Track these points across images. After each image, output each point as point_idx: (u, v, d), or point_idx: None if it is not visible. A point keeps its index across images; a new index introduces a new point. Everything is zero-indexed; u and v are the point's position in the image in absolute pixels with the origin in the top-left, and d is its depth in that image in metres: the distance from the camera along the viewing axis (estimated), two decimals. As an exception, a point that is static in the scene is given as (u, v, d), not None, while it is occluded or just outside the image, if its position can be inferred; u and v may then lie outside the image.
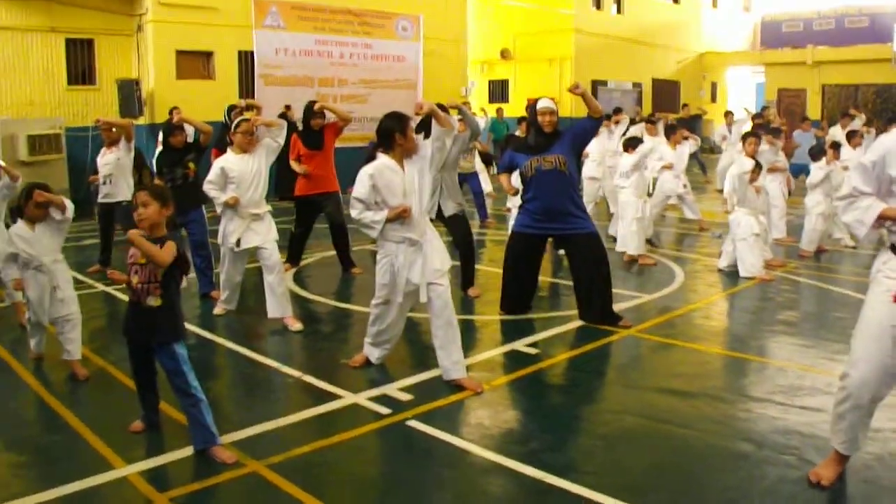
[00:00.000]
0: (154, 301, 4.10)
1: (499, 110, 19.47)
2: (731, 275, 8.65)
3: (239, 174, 6.50)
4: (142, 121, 14.31)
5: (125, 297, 7.67)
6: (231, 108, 9.43)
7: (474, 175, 12.97)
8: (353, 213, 5.24)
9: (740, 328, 6.89)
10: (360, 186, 5.17)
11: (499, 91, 23.70)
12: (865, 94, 24.21)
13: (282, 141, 6.81)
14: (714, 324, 7.05)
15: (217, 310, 7.04)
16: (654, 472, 4.00)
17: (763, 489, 3.77)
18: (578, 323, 6.67)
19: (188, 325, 6.60)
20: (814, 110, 23.92)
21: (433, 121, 5.11)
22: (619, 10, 24.47)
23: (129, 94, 14.14)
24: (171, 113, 12.40)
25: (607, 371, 5.69)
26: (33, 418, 4.91)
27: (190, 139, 7.93)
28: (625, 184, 9.32)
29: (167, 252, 4.01)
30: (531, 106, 6.66)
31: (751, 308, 7.52)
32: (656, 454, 4.20)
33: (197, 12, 14.85)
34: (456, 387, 5.10)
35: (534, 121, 6.54)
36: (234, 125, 6.76)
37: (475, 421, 4.68)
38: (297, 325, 6.54)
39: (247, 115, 8.75)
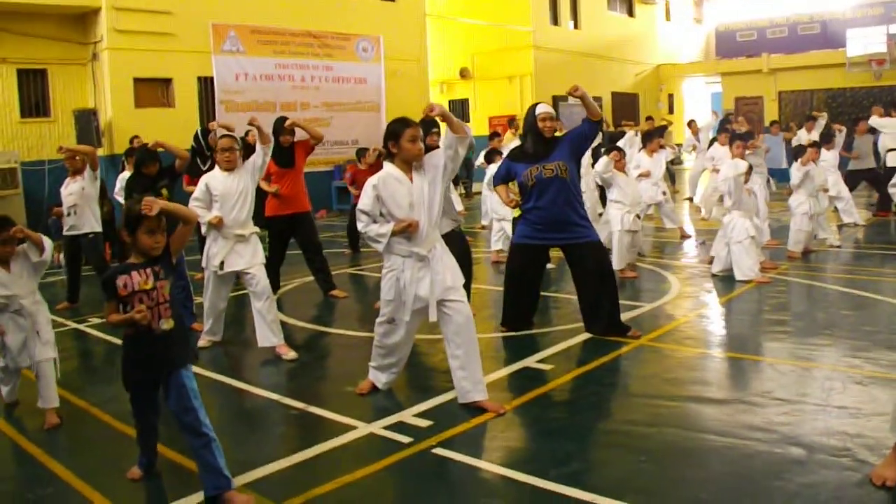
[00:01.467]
0: (166, 324, 3.68)
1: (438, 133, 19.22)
2: (726, 279, 8.48)
3: (223, 192, 6.12)
4: (101, 151, 13.75)
5: (98, 334, 7.40)
6: (205, 132, 9.02)
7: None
8: (359, 225, 4.91)
9: (751, 331, 6.63)
10: (365, 197, 4.83)
11: (459, 111, 23.47)
12: (820, 99, 24.44)
13: (267, 159, 6.45)
14: (722, 328, 6.82)
15: (201, 342, 6.60)
16: (712, 486, 3.69)
17: (828, 495, 3.52)
18: (585, 336, 6.37)
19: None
20: (771, 117, 24.01)
21: (445, 127, 4.74)
22: (576, 26, 24.44)
23: (87, 125, 13.62)
24: (131, 142, 12.01)
25: (629, 383, 5.37)
26: (15, 471, 4.40)
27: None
28: (610, 197, 9.07)
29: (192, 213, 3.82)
30: (529, 112, 6.35)
31: (755, 311, 7.31)
32: (708, 466, 3.91)
33: (154, 39, 14.41)
34: (475, 409, 4.75)
35: (532, 127, 6.23)
36: (217, 142, 6.38)
37: (505, 444, 4.33)
38: (290, 354, 6.13)
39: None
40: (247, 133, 9.88)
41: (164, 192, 7.31)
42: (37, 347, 4.92)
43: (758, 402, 4.78)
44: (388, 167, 4.86)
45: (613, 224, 8.67)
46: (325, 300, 8.32)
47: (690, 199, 17.13)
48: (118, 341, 6.96)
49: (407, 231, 4.72)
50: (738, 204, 8.47)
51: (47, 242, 4.92)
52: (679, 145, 15.91)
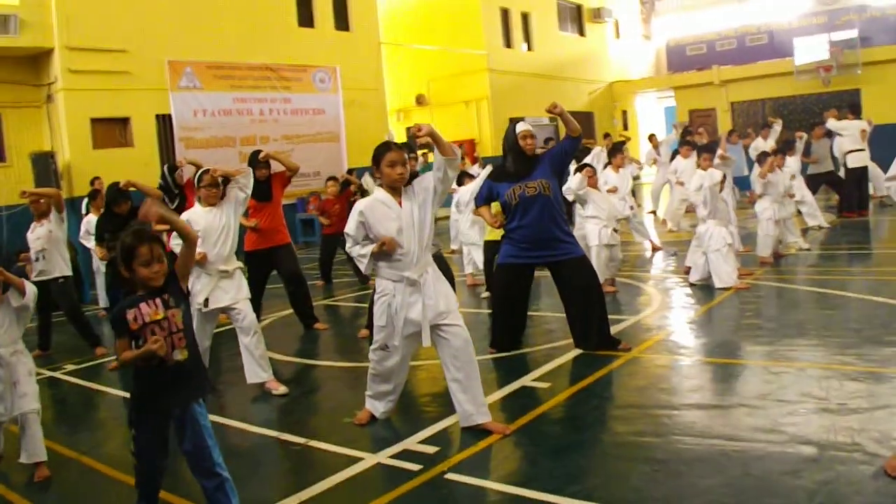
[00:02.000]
0: (181, 354, 3.52)
1: (424, 154, 19.18)
2: (705, 287, 8.55)
3: (205, 228, 5.98)
4: (58, 196, 13.51)
5: (74, 380, 7.19)
6: (172, 169, 8.88)
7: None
8: (346, 246, 4.88)
9: (738, 336, 6.65)
10: (351, 221, 4.78)
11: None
12: (772, 108, 24.86)
13: (249, 191, 6.34)
14: (711, 336, 6.83)
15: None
16: (732, 489, 3.67)
17: (848, 489, 3.55)
18: (576, 352, 6.34)
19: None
20: (725, 128, 24.34)
21: (435, 149, 4.67)
22: (529, 48, 24.60)
23: (45, 168, 13.34)
24: (92, 183, 11.79)
25: (628, 395, 5.31)
26: None
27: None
28: (584, 213, 9.06)
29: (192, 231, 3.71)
30: (509, 131, 6.32)
31: (739, 316, 7.36)
32: (724, 471, 3.88)
33: (109, 78, 14.19)
34: (479, 432, 4.67)
35: (513, 146, 6.20)
36: (196, 178, 6.26)
37: (517, 465, 4.27)
38: (281, 389, 6.00)
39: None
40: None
41: (137, 231, 7.17)
42: (15, 400, 4.68)
43: (759, 405, 4.79)
44: (378, 192, 4.80)
45: (591, 239, 8.66)
46: (306, 333, 8.19)
47: (654, 213, 17.29)
48: (97, 386, 6.84)
49: (384, 249, 4.64)
50: (714, 213, 8.54)
51: (29, 287, 4.75)
52: (636, 161, 15.98)
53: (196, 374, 3.63)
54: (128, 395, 6.43)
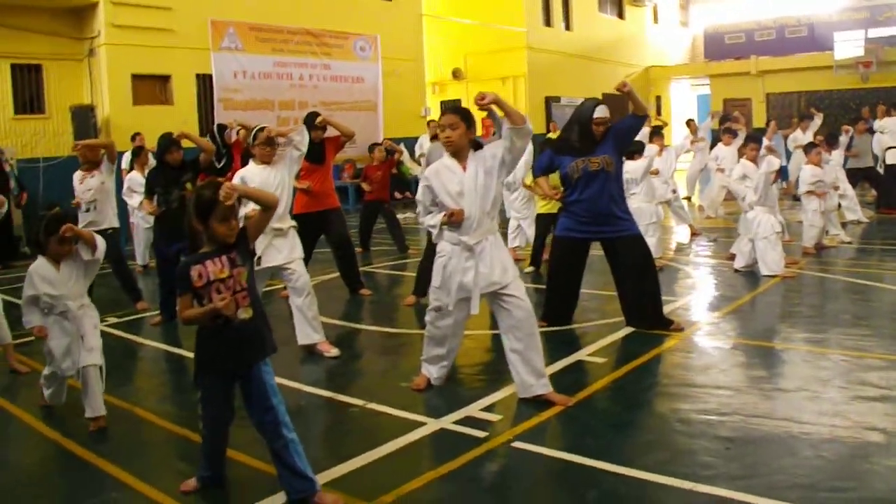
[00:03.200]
0: (245, 313, 3.46)
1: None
2: (749, 274, 8.48)
3: (260, 185, 5.91)
4: (96, 151, 13.51)
5: (118, 333, 7.19)
6: (221, 128, 8.84)
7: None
8: (418, 215, 4.90)
9: (791, 323, 6.56)
10: (419, 189, 4.79)
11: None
12: (808, 101, 24.59)
13: (304, 149, 6.28)
14: (761, 321, 6.80)
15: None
16: (806, 469, 3.67)
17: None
18: (628, 329, 6.32)
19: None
20: (759, 118, 24.21)
21: (502, 119, 4.62)
22: (568, 27, 24.40)
23: (85, 122, 13.34)
24: (133, 139, 11.76)
25: (687, 374, 5.25)
26: (68, 476, 4.08)
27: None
28: (635, 189, 8.99)
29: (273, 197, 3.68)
30: (586, 108, 6.18)
31: (788, 304, 7.30)
32: (795, 451, 3.87)
33: (152, 34, 14.14)
34: (539, 403, 4.65)
35: (584, 124, 6.09)
36: (252, 135, 6.21)
37: (582, 436, 4.23)
38: (333, 351, 5.98)
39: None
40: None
41: (189, 186, 7.14)
42: (81, 353, 4.65)
43: (819, 390, 4.76)
44: (445, 158, 4.79)
45: (645, 217, 8.59)
46: (351, 297, 8.17)
47: (688, 199, 17.13)
48: (140, 340, 6.83)
49: (451, 221, 4.62)
50: (764, 200, 8.45)
51: (100, 241, 4.70)
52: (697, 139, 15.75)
53: (261, 333, 3.56)
54: (172, 349, 6.53)
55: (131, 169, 10.61)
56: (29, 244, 12.32)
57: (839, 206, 12.29)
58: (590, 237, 6.27)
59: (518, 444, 4.07)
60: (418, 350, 6.17)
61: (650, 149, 9.44)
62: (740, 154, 9.60)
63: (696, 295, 7.62)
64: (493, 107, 4.58)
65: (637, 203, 8.88)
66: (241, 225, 3.52)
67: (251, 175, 6.03)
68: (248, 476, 3.84)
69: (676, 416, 4.48)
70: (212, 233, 3.42)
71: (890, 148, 13.97)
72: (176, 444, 4.42)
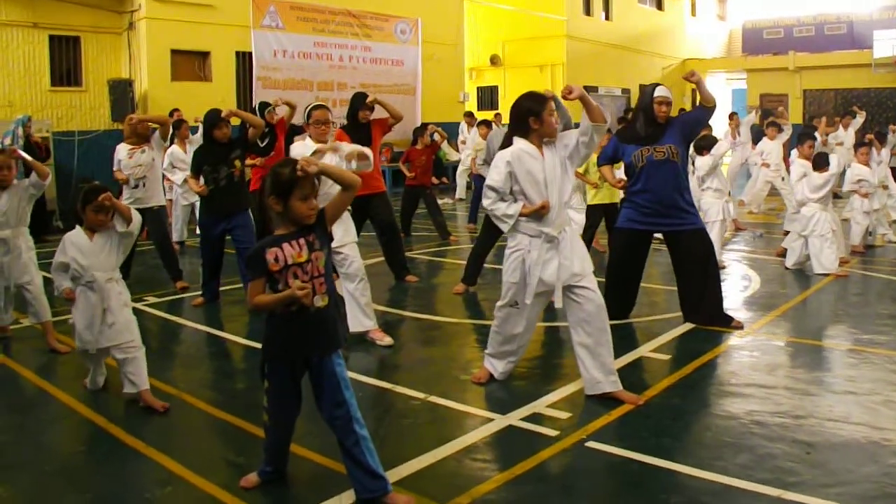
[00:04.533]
0: (322, 300, 3.26)
1: (497, 115, 18.85)
2: (799, 272, 8.29)
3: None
4: (133, 125, 13.38)
5: (157, 313, 7.05)
6: (264, 106, 8.68)
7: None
8: (485, 202, 4.60)
9: (854, 323, 6.31)
10: (496, 173, 4.52)
11: (488, 98, 23.13)
12: (845, 99, 24.23)
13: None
14: (822, 320, 6.61)
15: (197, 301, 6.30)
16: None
17: None
18: (687, 325, 6.11)
19: (253, 346, 5.86)
20: (795, 114, 23.88)
21: (583, 112, 4.44)
22: (607, 17, 24.10)
23: (122, 96, 13.25)
24: (171, 115, 11.63)
25: (755, 374, 5.02)
26: (120, 467, 3.85)
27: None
28: (704, 186, 8.75)
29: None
30: (646, 92, 6.01)
31: (845, 303, 7.10)
32: (880, 460, 3.70)
33: (192, 10, 14.02)
34: (607, 400, 4.46)
35: (647, 108, 5.90)
36: (306, 113, 6.04)
37: (659, 437, 4.04)
38: (386, 339, 5.80)
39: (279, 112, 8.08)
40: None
41: (238, 163, 6.98)
42: (104, 330, 4.54)
43: (894, 395, 4.56)
44: (521, 143, 4.55)
45: (714, 214, 8.37)
46: (396, 284, 7.99)
47: (729, 194, 16.82)
48: (181, 321, 6.67)
49: (539, 213, 4.43)
50: (825, 200, 8.23)
51: (135, 215, 4.60)
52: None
53: (335, 322, 3.36)
54: (215, 331, 6.38)
55: (171, 143, 10.45)
56: (64, 217, 12.25)
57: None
58: (652, 229, 6.07)
59: (592, 444, 3.89)
60: (472, 340, 6.08)
61: (720, 145, 9.18)
62: (785, 149, 9.36)
63: (751, 292, 7.39)
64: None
65: (708, 199, 8.67)
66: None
67: (306, 152, 5.85)
68: (312, 473, 3.66)
69: (751, 417, 4.28)
70: (291, 213, 3.22)
71: None
72: (229, 435, 4.24)
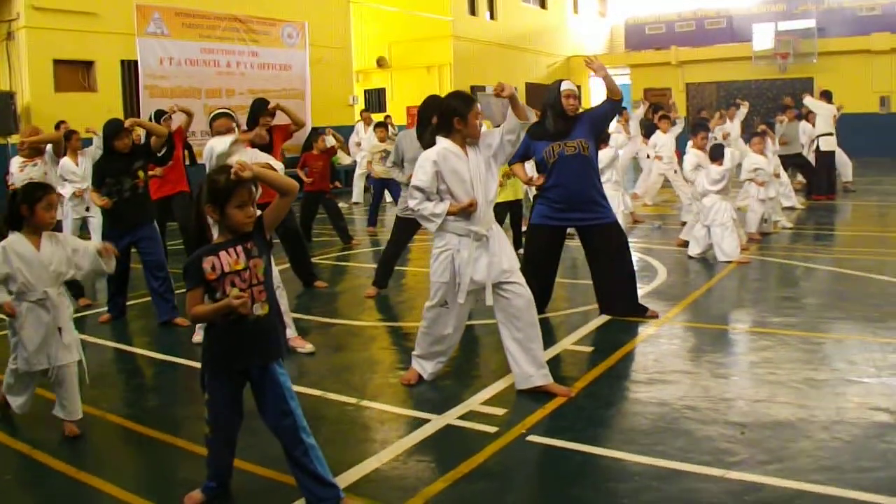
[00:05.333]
0: (261, 309, 3.17)
1: (387, 118, 18.80)
2: (702, 261, 8.58)
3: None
4: (14, 139, 12.78)
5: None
6: (160, 114, 8.43)
7: (395, 181, 12.33)
8: (411, 202, 4.60)
9: (764, 308, 6.52)
10: (422, 173, 4.50)
11: (375, 100, 23.07)
12: (728, 91, 25.19)
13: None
14: (734, 306, 6.83)
15: (197, 337, 6.06)
16: (831, 452, 3.66)
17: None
18: (603, 318, 6.24)
19: (167, 360, 5.74)
20: (680, 108, 24.65)
21: (509, 110, 4.47)
22: (492, 17, 24.37)
23: (5, 109, 12.63)
24: (57, 127, 11.14)
25: (679, 361, 5.17)
26: (63, 493, 3.64)
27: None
28: (603, 178, 8.86)
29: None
30: (552, 89, 6.09)
31: (752, 288, 7.45)
32: (810, 435, 3.86)
33: (75, 18, 13.47)
34: (539, 394, 4.51)
35: (554, 104, 5.98)
36: (209, 122, 5.90)
37: (599, 426, 4.12)
38: (307, 346, 5.69)
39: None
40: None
41: (141, 174, 6.75)
42: (59, 349, 4.22)
43: (813, 374, 4.76)
44: (445, 142, 4.55)
45: (615, 206, 8.48)
46: (306, 290, 7.87)
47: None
48: (92, 339, 6.36)
49: (467, 210, 4.45)
50: (725, 190, 8.55)
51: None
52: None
53: (276, 331, 3.30)
54: (126, 347, 6.14)
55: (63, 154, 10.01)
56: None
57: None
58: (566, 224, 6.15)
59: (532, 438, 3.93)
60: (391, 343, 6.07)
61: (616, 138, 9.38)
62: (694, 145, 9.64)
63: (658, 282, 7.59)
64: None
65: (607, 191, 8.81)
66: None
67: (225, 146, 5.71)
68: (258, 486, 3.56)
69: (682, 402, 4.40)
70: (228, 221, 3.13)
71: (822, 135, 14.30)
72: (160, 452, 4.08)
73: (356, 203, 15.89)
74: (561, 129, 5.95)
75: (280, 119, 7.45)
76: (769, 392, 4.49)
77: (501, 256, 4.53)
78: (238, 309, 3.07)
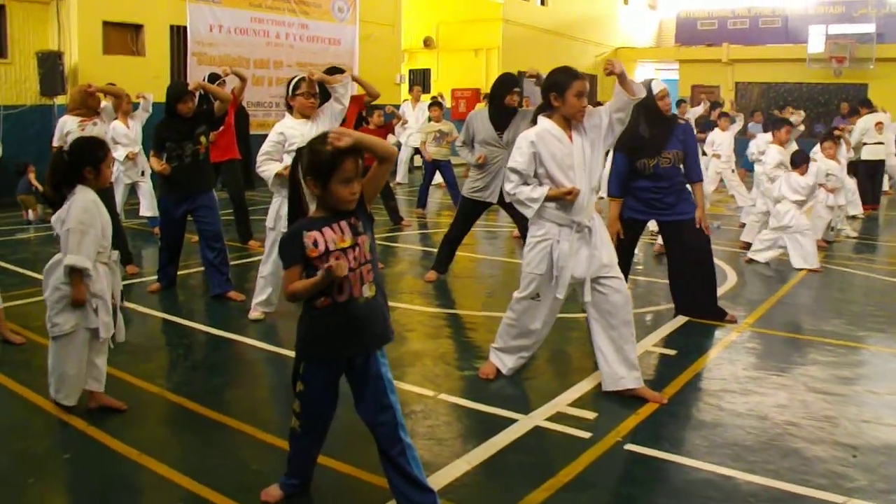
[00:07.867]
0: (370, 290, 2.87)
1: (440, 96, 18.40)
2: (768, 265, 8.24)
3: (301, 142, 5.34)
4: (61, 100, 12.59)
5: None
6: (213, 78, 8.16)
7: (448, 163, 12.07)
8: (507, 186, 4.30)
9: (851, 320, 6.13)
10: (519, 154, 4.20)
11: (420, 81, 22.66)
12: (777, 92, 24.61)
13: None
14: (817, 316, 6.36)
15: (254, 314, 5.83)
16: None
17: None
18: (681, 319, 5.92)
19: (222, 335, 5.48)
20: (727, 106, 24.18)
21: (617, 86, 4.12)
22: (542, 2, 23.91)
23: (52, 69, 12.40)
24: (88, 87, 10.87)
25: (769, 372, 4.82)
26: (119, 475, 3.41)
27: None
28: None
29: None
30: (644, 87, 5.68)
31: (832, 298, 7.06)
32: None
33: (126, -20, 13.23)
34: (627, 398, 4.21)
35: (651, 106, 5.48)
36: (291, 87, 5.62)
37: (697, 438, 3.80)
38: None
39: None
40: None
41: (203, 140, 6.48)
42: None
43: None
44: (545, 122, 4.23)
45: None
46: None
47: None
48: (139, 308, 6.12)
49: (565, 198, 4.12)
50: (804, 203, 8.22)
51: None
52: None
53: (384, 315, 2.96)
54: (175, 319, 5.88)
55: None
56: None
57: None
58: (649, 218, 5.85)
59: (630, 447, 3.63)
60: (457, 332, 5.78)
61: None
62: (747, 137, 9.28)
63: (730, 285, 7.24)
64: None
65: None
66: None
67: (291, 130, 5.48)
68: (341, 485, 3.28)
69: (782, 417, 4.08)
70: (330, 197, 2.81)
71: (866, 144, 13.76)
72: (229, 439, 3.79)
73: (400, 184, 15.60)
74: (658, 137, 5.56)
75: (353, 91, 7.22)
76: (873, 413, 4.18)
77: (602, 249, 4.23)
78: (336, 274, 2.72)
